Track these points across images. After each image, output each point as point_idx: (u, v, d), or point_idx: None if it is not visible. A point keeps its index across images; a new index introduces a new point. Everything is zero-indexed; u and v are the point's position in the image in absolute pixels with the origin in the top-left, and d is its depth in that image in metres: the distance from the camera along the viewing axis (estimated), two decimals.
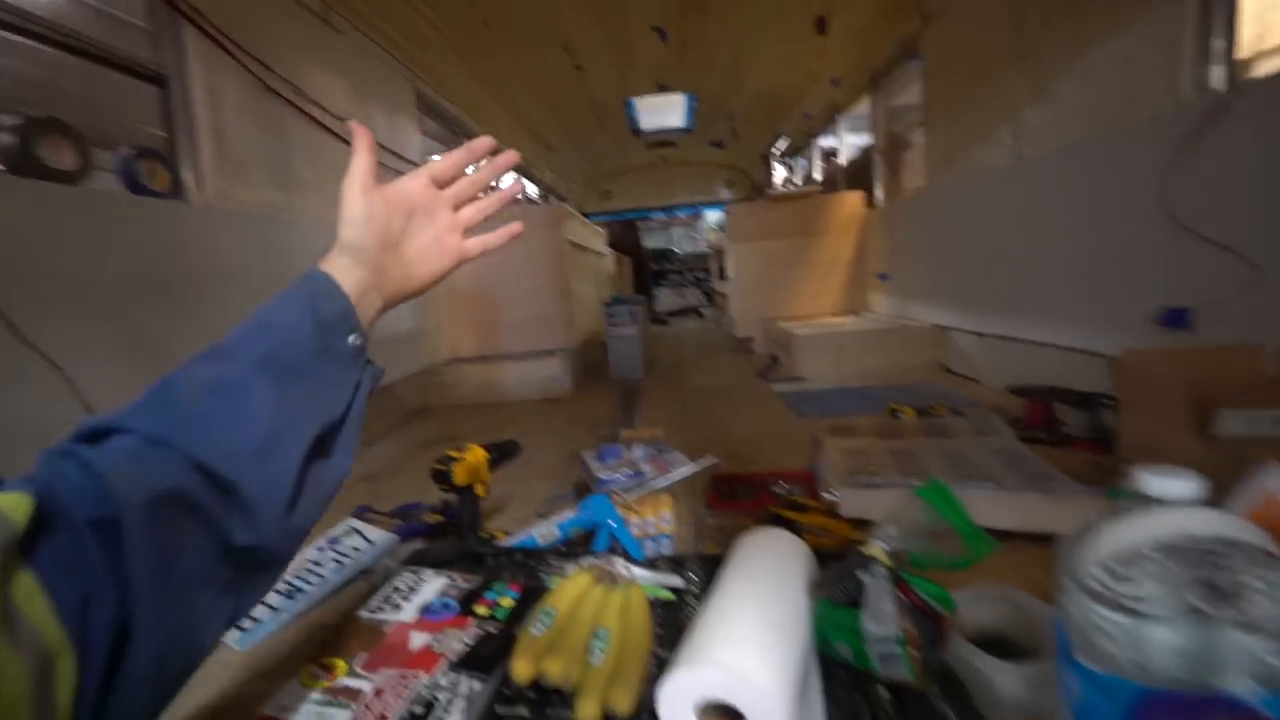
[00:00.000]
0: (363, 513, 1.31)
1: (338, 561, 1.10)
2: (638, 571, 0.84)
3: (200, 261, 1.52)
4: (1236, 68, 1.32)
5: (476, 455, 1.06)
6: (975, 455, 1.24)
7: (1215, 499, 0.46)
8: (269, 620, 0.95)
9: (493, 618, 0.79)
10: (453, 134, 3.81)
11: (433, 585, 0.90)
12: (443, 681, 0.67)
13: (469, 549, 1.01)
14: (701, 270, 7.88)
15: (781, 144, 6.29)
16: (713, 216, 8.86)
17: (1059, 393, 1.56)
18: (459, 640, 0.75)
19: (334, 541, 1.16)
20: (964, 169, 2.47)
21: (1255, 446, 0.70)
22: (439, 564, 0.96)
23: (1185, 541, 0.41)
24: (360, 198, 0.49)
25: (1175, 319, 1.32)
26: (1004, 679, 0.59)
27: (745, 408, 2.26)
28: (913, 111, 3.13)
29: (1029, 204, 1.99)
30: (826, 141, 5.02)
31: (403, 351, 2.47)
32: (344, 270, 0.47)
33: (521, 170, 5.36)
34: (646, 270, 7.69)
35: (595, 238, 4.42)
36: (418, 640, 0.76)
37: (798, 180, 6.01)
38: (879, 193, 3.65)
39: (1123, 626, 0.44)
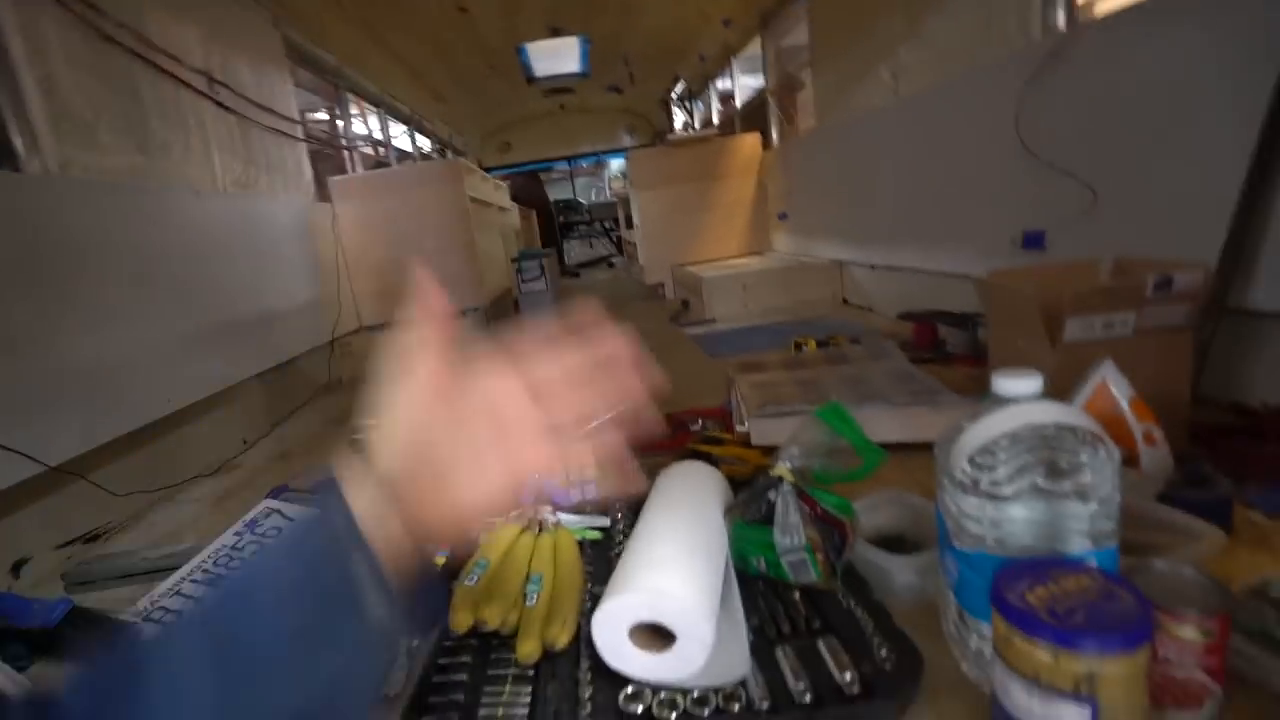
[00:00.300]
0: (281, 493, 1.26)
1: (259, 544, 1.06)
2: (565, 517, 0.87)
3: (50, 238, 1.36)
4: (1076, 10, 1.44)
5: None
6: (871, 378, 1.34)
7: (1063, 394, 0.54)
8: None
9: None
10: (333, 86, 3.53)
11: None
12: None
13: None
14: (609, 220, 7.82)
15: (679, 88, 6.25)
16: (617, 165, 8.75)
17: (941, 315, 1.71)
18: None
19: (253, 525, 1.12)
20: (850, 108, 2.56)
21: (1093, 347, 0.81)
22: None
23: (1029, 431, 0.48)
24: (415, 397, 0.35)
25: (1033, 241, 1.46)
26: (898, 570, 0.67)
27: (660, 353, 2.26)
28: (803, 51, 3.18)
29: (908, 141, 2.10)
30: (723, 84, 5.03)
31: (301, 324, 2.34)
32: (362, 487, 0.34)
33: (412, 123, 5.04)
34: (554, 223, 7.55)
35: (498, 192, 4.27)
36: None
37: (697, 124, 6.01)
38: (774, 134, 3.73)
39: (985, 510, 0.51)
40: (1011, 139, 1.48)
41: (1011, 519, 0.50)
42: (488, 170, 5.66)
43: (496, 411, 0.36)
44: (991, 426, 0.49)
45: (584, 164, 9.00)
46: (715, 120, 5.38)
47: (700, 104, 5.95)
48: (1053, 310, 0.88)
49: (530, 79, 5.42)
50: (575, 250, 8.07)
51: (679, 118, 6.62)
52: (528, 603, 0.67)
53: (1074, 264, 1.03)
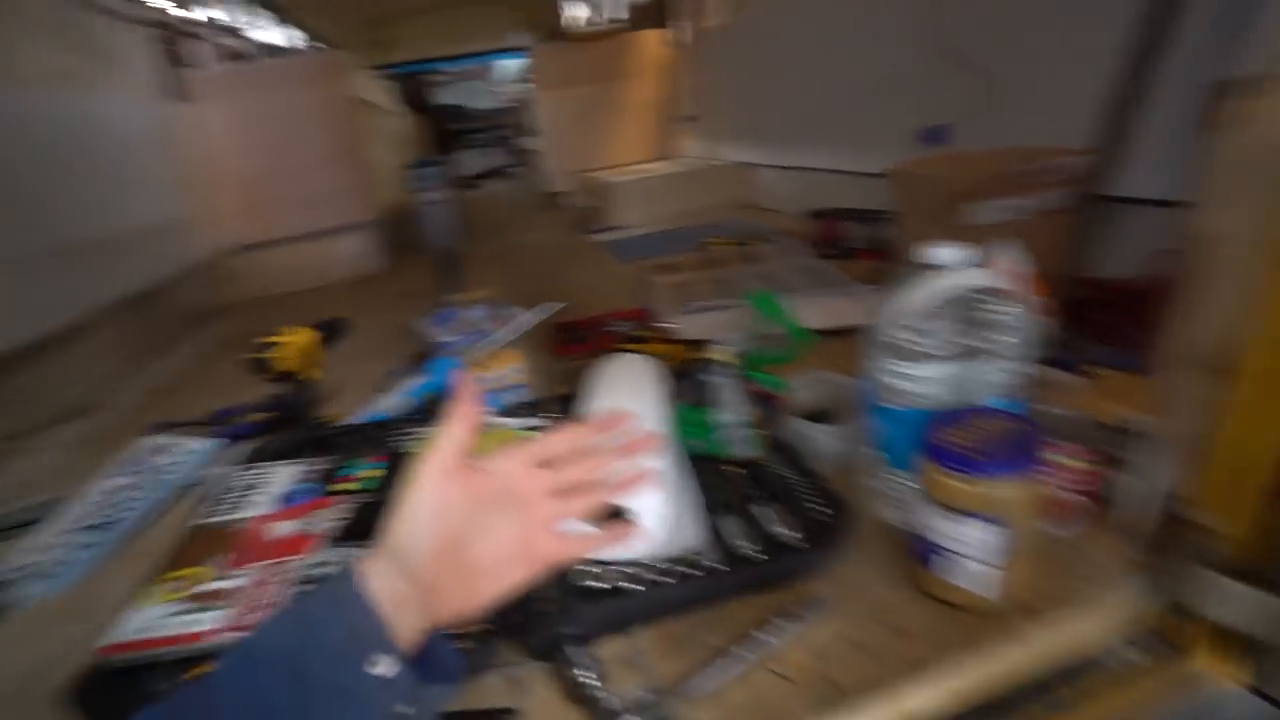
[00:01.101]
0: (165, 428, 1.15)
1: (149, 481, 0.98)
2: (503, 420, 0.87)
3: None
4: None
5: (305, 336, 0.97)
6: (784, 273, 1.40)
7: None
8: (80, 558, 0.82)
9: (364, 490, 0.78)
10: None
11: (284, 475, 0.85)
12: (330, 556, 0.67)
13: (317, 433, 0.96)
14: (505, 126, 7.35)
15: None
16: (508, 66, 8.14)
17: (846, 213, 1.77)
18: (330, 520, 0.74)
19: (138, 463, 1.02)
20: (760, 1, 2.50)
21: (993, 230, 0.88)
22: (282, 455, 0.91)
23: (959, 294, 0.52)
24: (432, 486, 0.38)
25: (936, 135, 1.52)
26: (825, 438, 0.73)
27: (571, 261, 2.27)
28: None
29: (816, 35, 2.09)
30: None
31: (167, 245, 2.08)
32: (381, 575, 0.36)
33: (272, 8, 4.38)
34: (445, 130, 7.01)
35: (383, 94, 3.88)
36: (284, 529, 0.74)
37: (602, 17, 5.64)
38: (682, 29, 3.58)
39: (915, 370, 0.55)
40: (915, 31, 1.50)
41: (936, 378, 0.55)
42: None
43: (513, 488, 0.41)
44: (925, 293, 0.53)
45: (472, 65, 8.30)
46: (619, 14, 5.06)
47: None
48: (957, 197, 0.93)
49: None
50: (469, 160, 7.58)
51: (580, 10, 6.17)
52: None
53: (975, 154, 1.09)
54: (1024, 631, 0.53)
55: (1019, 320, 0.54)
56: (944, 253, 0.53)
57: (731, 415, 0.67)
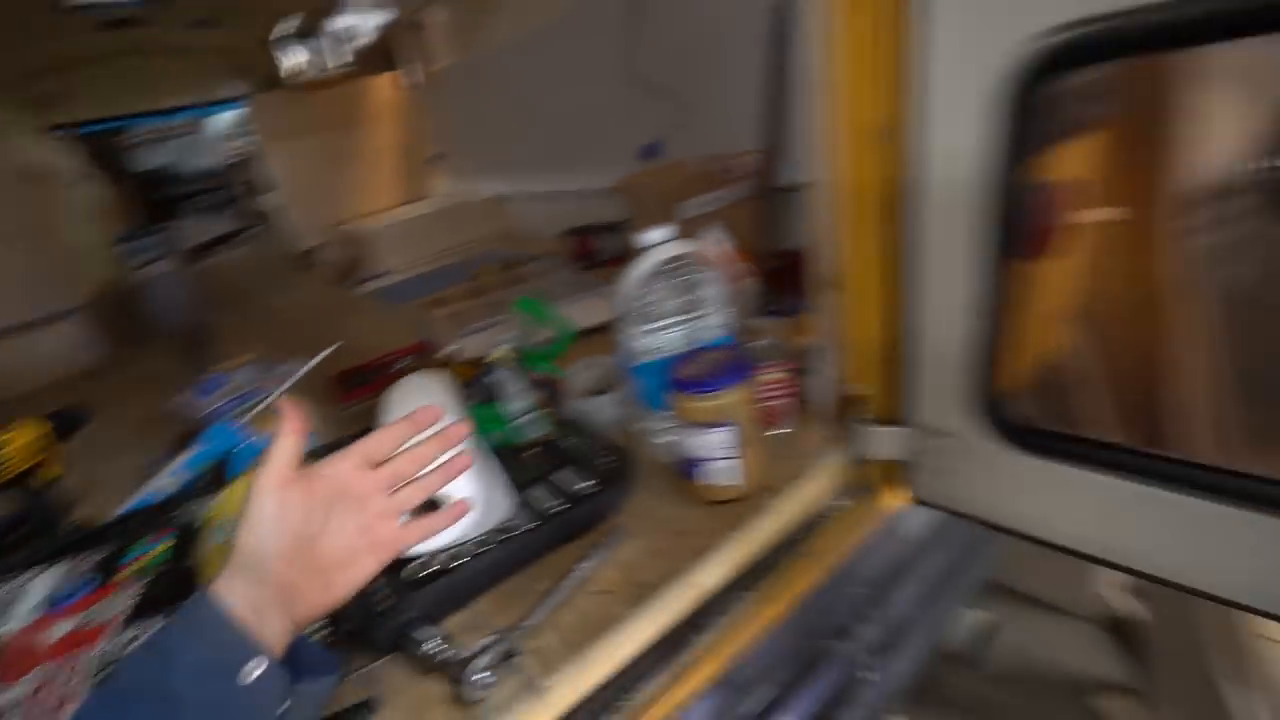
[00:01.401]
0: None
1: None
2: None
3: None
4: None
5: (31, 430, 0.86)
6: (549, 287, 1.54)
7: None
8: None
9: (154, 566, 0.73)
10: None
11: (42, 582, 0.76)
12: (127, 636, 0.63)
13: (71, 538, 0.85)
14: (232, 186, 6.58)
15: (289, 25, 5.43)
16: (224, 119, 7.30)
17: (593, 228, 1.97)
18: (120, 603, 0.68)
19: None
20: (484, 42, 2.64)
21: (703, 219, 1.10)
22: (33, 564, 0.80)
23: (668, 263, 0.68)
24: (273, 494, 0.40)
25: (652, 151, 1.78)
26: (600, 408, 0.86)
27: (338, 316, 2.18)
28: None
29: (540, 70, 2.28)
30: (345, 20, 4.56)
31: None
32: (234, 590, 0.38)
33: None
34: (157, 196, 6.07)
35: (61, 157, 3.28)
36: (59, 630, 0.67)
37: (326, 64, 5.36)
38: (414, 72, 3.59)
39: (650, 330, 0.70)
40: (619, 66, 1.75)
41: (666, 332, 0.70)
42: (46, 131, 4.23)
43: (347, 486, 0.45)
44: (642, 267, 0.68)
45: (179, 121, 7.29)
46: (343, 60, 4.87)
47: (323, 42, 5.30)
48: (672, 198, 1.14)
49: (71, 6, 4.13)
50: (195, 227, 6.65)
51: (300, 57, 5.78)
52: None
53: (682, 162, 1.33)
54: (769, 506, 0.70)
55: (718, 278, 0.72)
56: (652, 234, 0.69)
57: (518, 404, 0.77)
